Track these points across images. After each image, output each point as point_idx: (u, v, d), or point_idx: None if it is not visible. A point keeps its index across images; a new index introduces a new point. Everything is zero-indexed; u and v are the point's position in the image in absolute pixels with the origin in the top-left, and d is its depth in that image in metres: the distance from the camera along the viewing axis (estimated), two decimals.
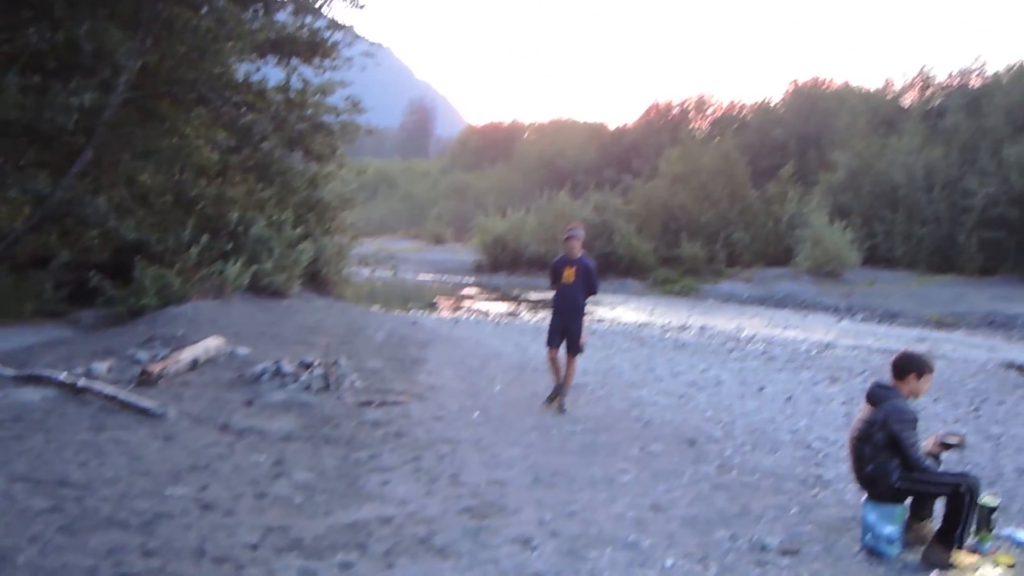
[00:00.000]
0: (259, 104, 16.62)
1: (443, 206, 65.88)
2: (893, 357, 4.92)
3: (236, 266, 14.48)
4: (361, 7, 16.97)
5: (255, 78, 17.26)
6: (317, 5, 16.97)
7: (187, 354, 8.62)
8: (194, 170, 15.79)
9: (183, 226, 14.74)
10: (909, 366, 4.79)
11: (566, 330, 8.52)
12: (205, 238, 14.65)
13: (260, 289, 15.23)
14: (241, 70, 17.12)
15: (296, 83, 17.64)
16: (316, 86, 17.62)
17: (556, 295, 8.67)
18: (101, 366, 8.17)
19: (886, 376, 4.89)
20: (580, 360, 9.00)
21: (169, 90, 14.99)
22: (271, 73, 17.82)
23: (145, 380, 7.69)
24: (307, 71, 17.98)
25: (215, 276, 14.19)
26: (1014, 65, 41.72)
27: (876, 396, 4.79)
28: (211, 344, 9.25)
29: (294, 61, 17.54)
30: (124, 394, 6.93)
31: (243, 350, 9.63)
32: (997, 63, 50.49)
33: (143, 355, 9.09)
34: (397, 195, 74.87)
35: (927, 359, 4.84)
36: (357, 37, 17.60)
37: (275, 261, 15.52)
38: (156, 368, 7.87)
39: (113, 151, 14.28)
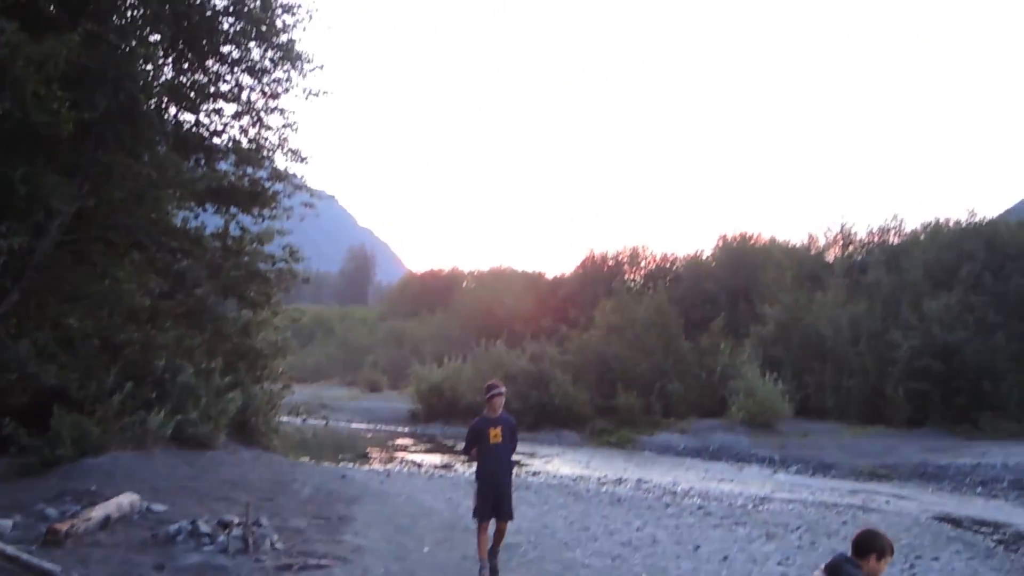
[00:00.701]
0: (195, 251, 16.54)
1: (380, 353, 65.44)
2: (856, 533, 4.85)
3: (159, 416, 13.99)
4: (304, 160, 17.22)
5: (192, 225, 17.26)
6: (260, 156, 17.17)
7: (99, 511, 8.16)
8: (124, 315, 15.46)
9: (107, 372, 14.27)
10: (871, 546, 4.69)
11: (500, 496, 7.96)
12: (129, 386, 14.18)
13: (184, 440, 14.68)
14: (179, 216, 17.12)
15: (234, 230, 17.67)
16: (254, 234, 17.65)
17: (485, 459, 7.99)
18: (6, 522, 7.69)
19: (840, 547, 4.80)
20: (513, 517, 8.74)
21: (104, 235, 14.87)
22: (209, 220, 17.85)
23: (52, 540, 7.23)
24: (246, 218, 18.06)
25: (137, 426, 13.66)
26: (930, 223, 44.22)
27: (841, 571, 4.59)
28: (125, 501, 8.79)
29: (233, 209, 17.63)
30: (26, 555, 6.48)
31: (160, 507, 9.17)
32: (914, 220, 53.84)
33: (52, 511, 8.60)
34: (334, 341, 74.25)
35: (889, 542, 4.77)
36: (298, 188, 17.84)
37: (201, 411, 15.05)
38: (64, 527, 7.43)
39: (41, 294, 13.96)
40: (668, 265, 60.36)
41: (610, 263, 63.24)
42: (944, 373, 33.43)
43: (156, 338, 15.90)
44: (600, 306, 47.63)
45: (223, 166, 17.35)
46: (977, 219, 42.39)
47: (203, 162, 16.86)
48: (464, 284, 79.51)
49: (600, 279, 59.94)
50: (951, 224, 43.37)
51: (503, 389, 8.21)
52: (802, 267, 47.01)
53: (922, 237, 43.41)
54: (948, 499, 20.02)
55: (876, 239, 46.22)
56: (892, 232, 45.96)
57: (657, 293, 48.58)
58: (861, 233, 47.30)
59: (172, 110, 16.42)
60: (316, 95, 16.90)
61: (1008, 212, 49.42)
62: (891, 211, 48.09)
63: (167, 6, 14.55)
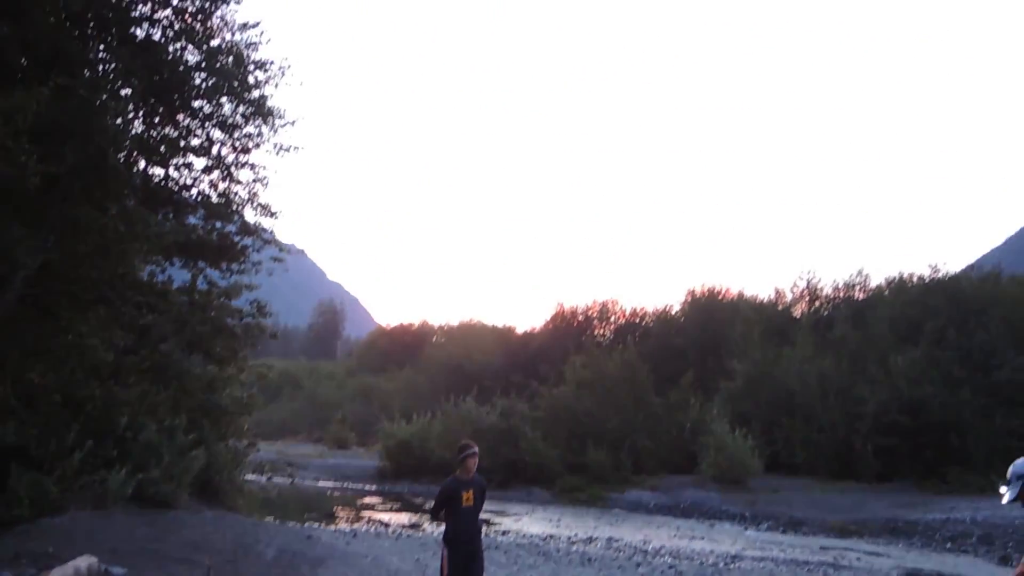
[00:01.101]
0: (161, 306, 16.33)
1: (348, 409, 64.70)
2: None
3: (121, 474, 13.64)
4: (274, 215, 17.17)
5: (159, 279, 17.07)
6: (230, 210, 17.11)
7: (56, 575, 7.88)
8: (86, 370, 15.16)
9: (68, 429, 13.94)
10: None
11: (472, 559, 7.62)
12: (90, 443, 13.84)
13: (146, 499, 14.30)
14: (145, 270, 16.93)
15: (202, 285, 17.50)
16: (222, 289, 17.50)
17: (458, 522, 7.62)
18: None
19: None
20: None
21: (68, 288, 14.64)
22: (176, 274, 17.68)
23: None
24: (214, 273, 17.91)
25: (97, 485, 13.31)
26: (894, 279, 44.92)
27: None
28: (83, 564, 8.50)
29: (201, 263, 17.49)
30: None
31: (119, 569, 8.88)
32: (879, 275, 55.04)
33: (8, 575, 8.29)
34: (301, 397, 73.33)
35: None
36: (268, 242, 17.76)
37: (164, 469, 14.71)
38: None
39: (1, 348, 13.66)
40: (638, 320, 60.64)
41: (580, 318, 63.41)
42: (911, 428, 33.67)
43: (119, 394, 15.59)
44: (570, 361, 47.57)
45: (192, 220, 17.25)
46: (940, 275, 43.17)
47: (172, 216, 16.74)
48: (434, 339, 79.16)
49: (570, 334, 60.04)
50: (915, 280, 44.14)
51: (477, 449, 7.92)
52: (770, 322, 47.41)
53: (886, 293, 44.08)
54: (918, 555, 20.00)
55: (842, 295, 46.84)
56: (857, 288, 46.63)
57: (627, 349, 48.66)
58: (827, 289, 47.92)
59: (141, 163, 16.35)
60: (287, 150, 16.93)
61: (970, 267, 50.31)
62: (856, 266, 48.85)
63: (139, 60, 14.58)
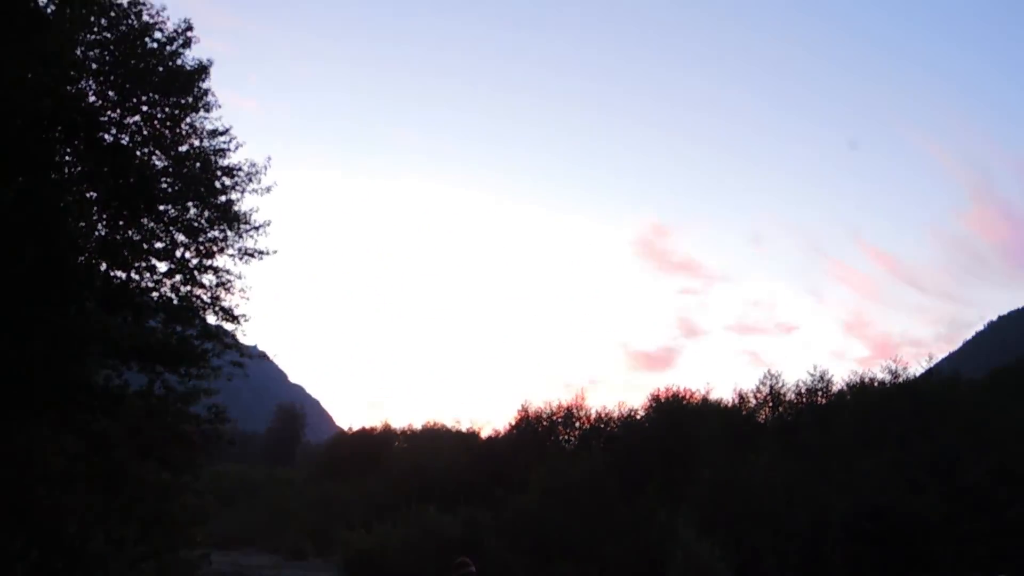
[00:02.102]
0: (116, 411, 15.95)
1: (306, 517, 62.84)
2: None
3: None
4: (236, 320, 17.04)
5: (115, 383, 16.72)
6: (191, 315, 16.95)
7: None
8: (35, 476, 14.63)
9: (12, 538, 13.33)
10: None
11: None
12: (35, 554, 13.24)
13: None
14: (101, 374, 16.59)
15: (159, 390, 17.17)
16: (179, 394, 17.17)
17: None
18: None
19: None
20: None
21: (20, 390, 14.26)
22: (133, 377, 17.35)
23: None
24: (172, 377, 17.61)
25: None
26: (855, 383, 45.27)
27: None
28: None
29: (159, 367, 17.20)
30: None
31: None
32: (841, 376, 55.76)
33: None
34: (258, 504, 71.21)
35: None
36: (229, 347, 17.57)
37: None
38: None
39: None
40: (603, 425, 60.16)
41: (544, 423, 62.80)
42: (878, 534, 33.38)
43: (68, 502, 15.03)
44: (535, 468, 46.90)
45: (152, 323, 17.06)
46: (901, 379, 43.62)
47: (131, 319, 16.53)
48: (396, 443, 77.88)
49: (535, 438, 59.31)
50: (876, 384, 44.52)
51: (475, 568, 7.57)
52: (734, 427, 47.29)
53: (848, 397, 44.34)
54: None
55: (805, 400, 47.02)
56: (820, 393, 46.87)
57: (592, 454, 48.17)
58: (790, 394, 48.08)
59: (103, 266, 16.24)
60: (253, 255, 16.94)
61: (929, 372, 50.99)
62: (818, 370, 49.69)
63: (105, 164, 14.66)
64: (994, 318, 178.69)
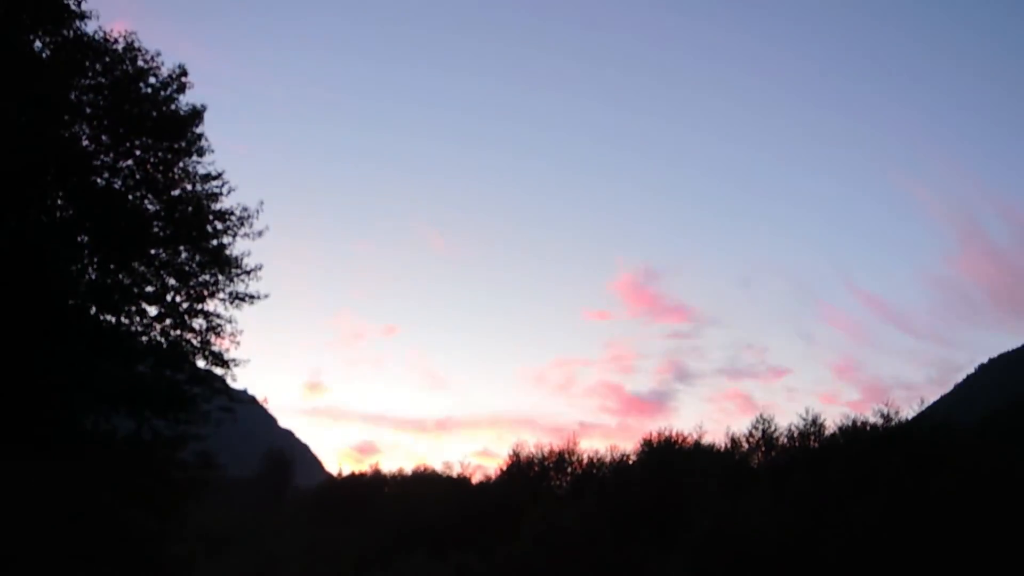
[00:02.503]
0: (103, 456, 15.75)
1: (295, 564, 61.87)
2: None
3: None
4: (226, 365, 16.92)
5: (102, 427, 16.54)
6: (180, 359, 16.83)
7: None
8: (16, 524, 14.39)
9: None
10: None
11: None
12: None
13: None
14: (89, 418, 16.42)
15: (147, 435, 16.97)
16: (168, 438, 16.97)
17: None
18: None
19: None
20: None
21: (6, 435, 14.09)
22: (121, 422, 17.17)
23: None
24: (161, 422, 17.43)
25: None
26: (848, 427, 45.05)
27: None
28: None
29: (148, 412, 17.02)
30: None
31: None
32: (832, 419, 55.49)
33: None
34: (246, 551, 70.11)
35: None
36: (218, 392, 17.43)
37: None
38: None
39: None
40: (595, 470, 59.67)
41: (536, 468, 62.26)
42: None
43: (54, 546, 14.77)
44: (527, 514, 46.42)
45: (141, 368, 16.92)
46: (893, 423, 43.45)
47: (120, 363, 16.41)
48: (386, 489, 77.08)
49: (526, 484, 58.77)
50: (868, 428, 44.32)
51: None
52: (727, 471, 46.96)
53: (841, 441, 44.12)
54: None
55: (797, 444, 46.76)
56: (812, 437, 46.62)
57: (584, 502, 47.73)
58: (783, 438, 47.82)
59: (93, 310, 16.16)
60: (244, 299, 16.88)
61: (921, 416, 50.87)
62: (810, 414, 49.45)
63: (97, 208, 14.66)
64: (985, 361, 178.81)
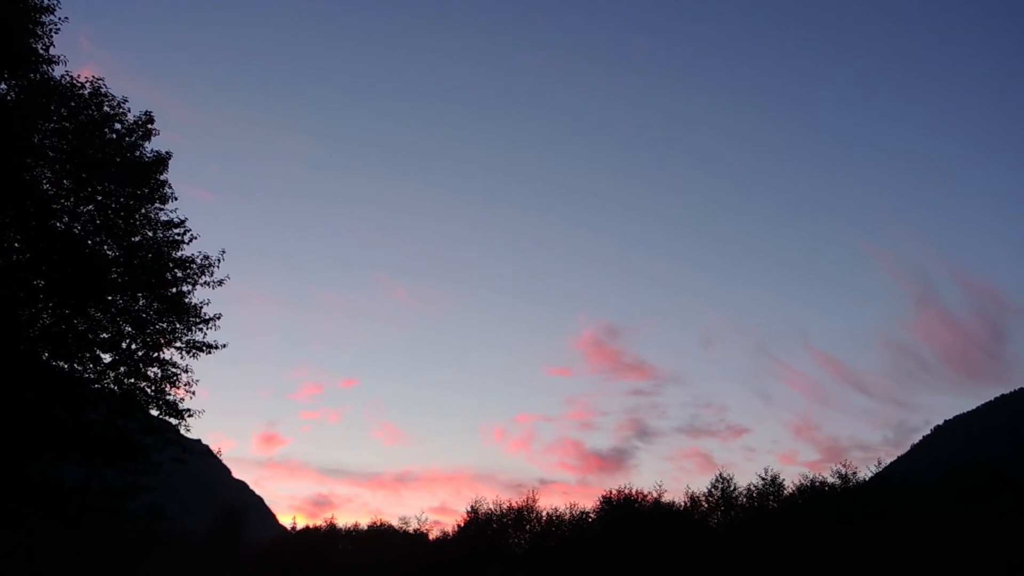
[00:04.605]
0: (49, 507, 15.27)
1: None
2: None
3: None
4: (180, 415, 16.59)
5: (50, 476, 16.06)
6: (133, 408, 16.47)
7: None
8: None
9: None
10: None
11: None
12: None
13: None
14: (36, 466, 15.95)
15: (96, 484, 16.51)
16: (117, 489, 16.52)
17: None
18: None
19: None
20: None
21: None
22: (70, 471, 16.70)
23: None
24: (110, 471, 16.97)
25: None
26: (806, 487, 45.21)
27: None
28: None
29: (98, 461, 16.58)
30: None
31: None
32: (791, 480, 55.61)
33: None
34: None
35: None
36: (170, 442, 17.05)
37: None
38: None
39: None
40: (554, 528, 59.05)
41: (495, 524, 61.47)
42: None
43: None
44: (485, 572, 45.71)
45: (92, 415, 16.53)
46: (851, 484, 43.71)
47: (71, 410, 16.02)
48: (339, 545, 75.50)
49: (485, 541, 57.93)
50: (826, 488, 44.51)
51: None
52: (686, 531, 46.75)
53: (800, 501, 44.22)
54: None
55: (756, 503, 46.77)
56: (771, 498, 46.69)
57: (543, 556, 47.16)
58: (742, 498, 47.83)
59: (45, 355, 15.81)
60: (201, 349, 16.63)
61: (878, 476, 51.26)
62: (769, 473, 49.38)
63: (55, 253, 14.44)
64: (940, 422, 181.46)
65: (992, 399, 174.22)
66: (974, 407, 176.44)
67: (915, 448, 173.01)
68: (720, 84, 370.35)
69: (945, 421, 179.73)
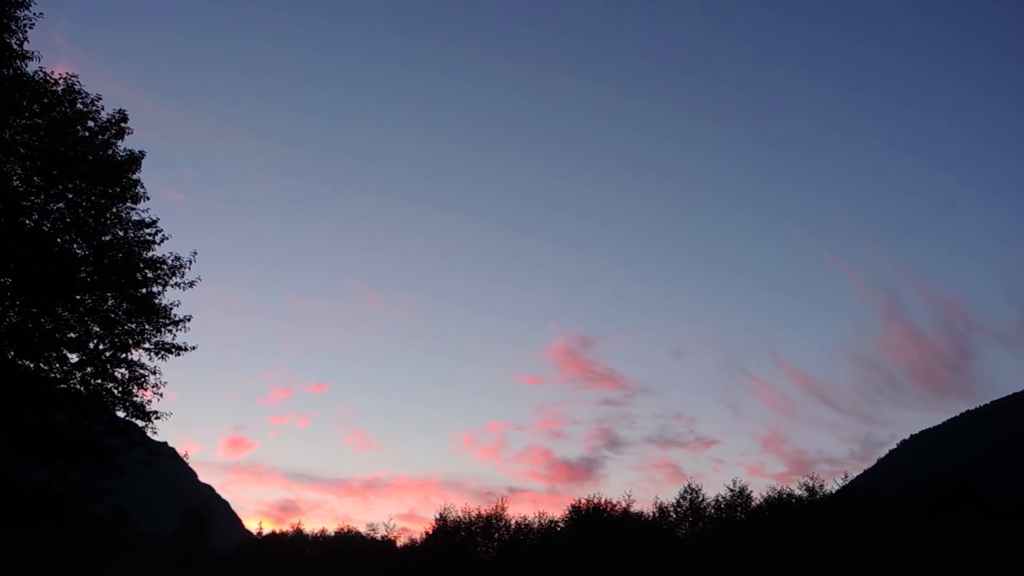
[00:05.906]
0: (10, 508, 15.04)
1: None
2: None
3: None
4: (147, 417, 16.40)
5: (11, 477, 15.83)
6: (99, 409, 16.27)
7: None
8: None
9: None
10: None
11: None
12: None
13: None
14: None
15: (59, 486, 16.28)
16: (81, 492, 16.30)
17: None
18: None
19: None
20: None
21: None
22: (32, 472, 16.46)
23: None
24: (75, 473, 16.74)
25: None
26: (774, 498, 45.54)
27: None
28: None
29: (62, 463, 16.35)
30: None
31: None
32: (759, 493, 56.03)
33: None
34: None
35: None
36: (137, 444, 16.86)
37: None
38: None
39: None
40: (522, 536, 58.95)
41: (463, 533, 61.26)
42: None
43: None
44: None
45: (57, 416, 16.30)
46: (818, 496, 44.09)
47: (36, 410, 15.79)
48: (306, 551, 74.94)
49: (453, 549, 57.72)
50: (793, 500, 44.87)
51: None
52: (654, 541, 46.88)
53: (767, 513, 44.55)
54: None
55: (724, 515, 47.02)
56: (739, 509, 46.95)
57: (512, 566, 47.07)
58: (710, 509, 48.03)
59: (11, 354, 15.59)
60: (170, 351, 16.47)
61: (845, 489, 51.72)
62: (737, 485, 49.56)
63: (23, 250, 14.25)
64: (906, 437, 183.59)
65: (957, 415, 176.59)
66: (940, 422, 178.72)
67: (881, 462, 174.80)
68: (689, 101, 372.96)
69: (911, 436, 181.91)
